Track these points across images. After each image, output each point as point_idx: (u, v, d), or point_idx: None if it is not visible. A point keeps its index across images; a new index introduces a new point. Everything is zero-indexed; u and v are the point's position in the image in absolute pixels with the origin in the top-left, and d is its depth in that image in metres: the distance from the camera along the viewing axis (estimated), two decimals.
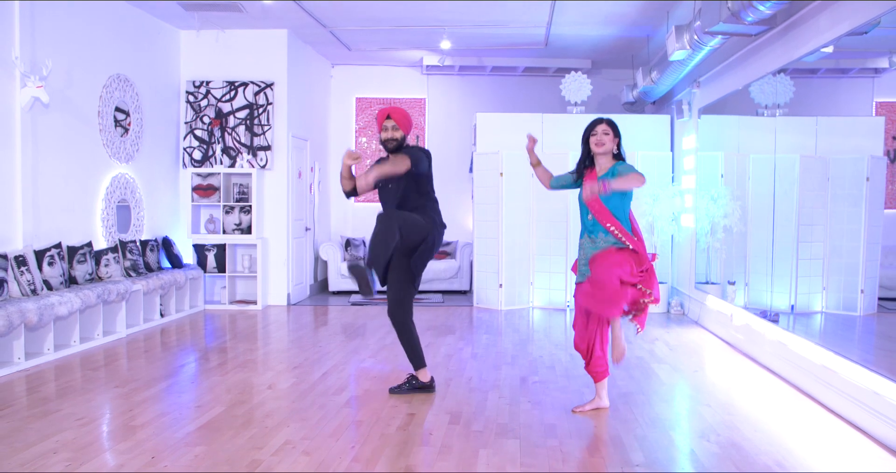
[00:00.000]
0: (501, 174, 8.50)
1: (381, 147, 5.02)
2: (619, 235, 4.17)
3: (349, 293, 9.81)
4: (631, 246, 4.17)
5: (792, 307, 7.05)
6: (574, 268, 4.47)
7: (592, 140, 4.26)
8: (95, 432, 4.01)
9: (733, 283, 7.43)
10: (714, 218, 7.47)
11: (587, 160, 4.36)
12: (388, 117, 4.56)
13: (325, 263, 10.21)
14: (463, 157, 10.59)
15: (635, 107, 10.07)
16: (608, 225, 4.19)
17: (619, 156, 4.31)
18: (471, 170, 9.39)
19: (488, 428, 4.06)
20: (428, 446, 3.77)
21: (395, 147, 4.60)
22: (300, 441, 3.81)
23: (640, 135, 9.05)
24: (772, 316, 6.78)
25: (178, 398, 4.75)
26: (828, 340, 6.35)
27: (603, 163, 4.30)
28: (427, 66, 10.30)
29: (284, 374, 5.35)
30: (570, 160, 8.57)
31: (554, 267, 8.61)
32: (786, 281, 7.01)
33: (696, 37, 5.93)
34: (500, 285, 8.54)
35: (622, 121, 9.29)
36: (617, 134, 4.28)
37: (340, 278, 9.76)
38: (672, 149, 8.90)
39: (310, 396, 4.74)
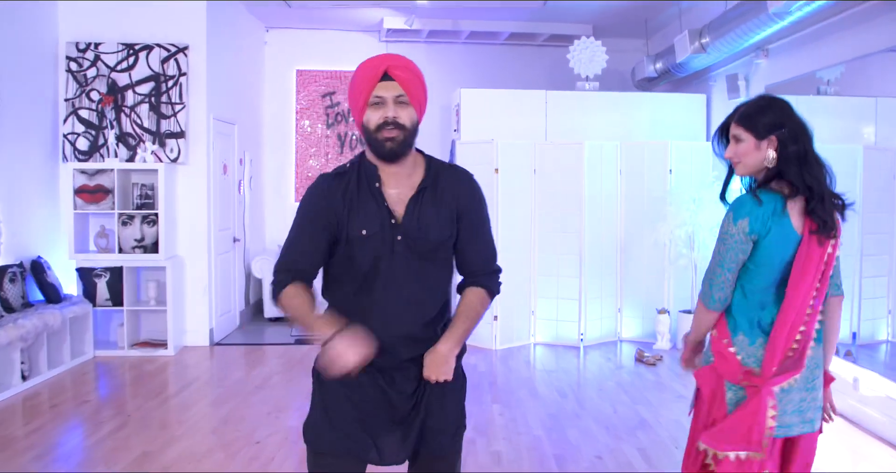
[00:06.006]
0: (497, 170, 6.46)
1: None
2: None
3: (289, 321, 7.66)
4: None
5: (853, 335, 5.41)
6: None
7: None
8: None
9: None
10: None
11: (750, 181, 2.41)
12: (386, 75, 2.01)
13: (259, 282, 7.98)
14: (433, 145, 8.47)
15: (651, 84, 8.13)
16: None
17: (787, 171, 2.27)
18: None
19: None
20: None
21: (400, 148, 2.04)
22: None
23: (667, 120, 7.21)
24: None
25: None
26: None
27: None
28: (388, 31, 8.16)
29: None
30: (585, 152, 6.63)
31: (563, 291, 6.65)
32: (846, 305, 5.31)
33: None
34: (496, 317, 6.51)
35: (642, 101, 7.38)
36: (763, 133, 2.27)
37: None
38: (709, 138, 7.03)
39: None
